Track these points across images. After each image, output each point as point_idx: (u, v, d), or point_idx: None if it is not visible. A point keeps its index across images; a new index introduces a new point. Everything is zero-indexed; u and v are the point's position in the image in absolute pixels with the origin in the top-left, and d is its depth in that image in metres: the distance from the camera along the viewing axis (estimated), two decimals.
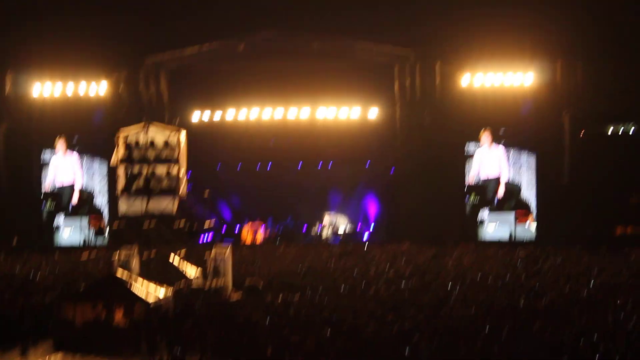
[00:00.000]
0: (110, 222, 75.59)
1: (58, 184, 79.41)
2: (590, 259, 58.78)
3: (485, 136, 74.66)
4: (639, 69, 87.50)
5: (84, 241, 76.28)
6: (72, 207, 79.02)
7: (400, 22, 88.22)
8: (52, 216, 79.00)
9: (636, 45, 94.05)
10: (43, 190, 79.31)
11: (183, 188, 58.03)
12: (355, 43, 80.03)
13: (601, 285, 47.54)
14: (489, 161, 75.17)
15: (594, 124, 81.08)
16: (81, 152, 79.49)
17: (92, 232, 77.53)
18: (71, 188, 79.30)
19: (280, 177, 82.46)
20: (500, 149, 75.12)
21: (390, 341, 32.95)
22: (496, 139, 74.94)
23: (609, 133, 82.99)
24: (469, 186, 75.18)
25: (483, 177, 75.27)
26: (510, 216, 74.67)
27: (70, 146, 78.90)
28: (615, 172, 77.20)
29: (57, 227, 78.80)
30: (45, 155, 79.65)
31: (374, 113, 79.98)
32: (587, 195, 73.93)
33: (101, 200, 78.77)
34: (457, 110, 75.74)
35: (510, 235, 73.38)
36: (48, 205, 78.48)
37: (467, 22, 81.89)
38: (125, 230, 60.12)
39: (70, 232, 78.34)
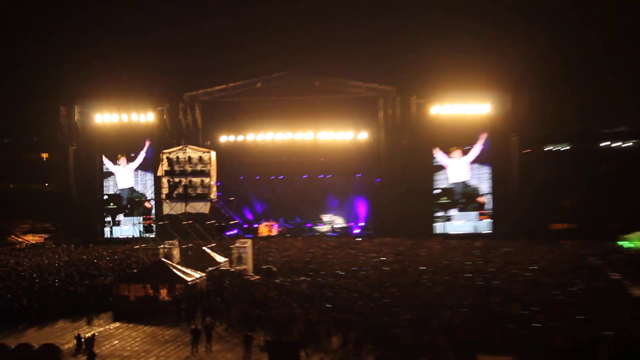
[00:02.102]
0: (156, 221, 75.77)
1: (121, 189, 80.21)
2: (533, 249, 59.36)
3: (456, 152, 75.01)
4: (574, 103, 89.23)
5: (137, 235, 76.69)
6: (129, 207, 79.32)
7: (384, 64, 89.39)
8: (113, 214, 79.35)
9: (572, 82, 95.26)
10: (106, 193, 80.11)
11: (213, 194, 58.71)
12: (348, 81, 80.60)
13: (541, 267, 48.01)
14: (458, 171, 75.31)
15: (537, 144, 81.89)
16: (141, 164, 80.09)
17: (143, 228, 77.82)
18: (128, 192, 79.82)
19: (289, 186, 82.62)
20: (466, 160, 75.35)
21: (376, 313, 33.30)
22: (462, 154, 75.29)
23: (548, 151, 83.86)
24: (442, 189, 75.31)
25: (453, 183, 75.41)
26: (474, 214, 74.98)
27: (128, 160, 79.31)
28: (551, 182, 78.02)
29: (118, 223, 78.98)
30: (105, 167, 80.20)
31: (363, 136, 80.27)
32: (530, 199, 74.50)
33: (153, 202, 78.83)
34: (429, 133, 76.43)
35: (474, 229, 73.81)
36: (112, 205, 79.01)
37: (436, 64, 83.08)
38: (168, 227, 60.59)
39: (127, 227, 78.41)
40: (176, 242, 52.29)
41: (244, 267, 48.31)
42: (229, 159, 78.56)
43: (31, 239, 76.18)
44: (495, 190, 75.24)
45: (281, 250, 59.78)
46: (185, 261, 46.16)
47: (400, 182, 76.15)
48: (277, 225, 78.31)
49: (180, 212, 60.45)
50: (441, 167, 76.09)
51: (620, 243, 59.58)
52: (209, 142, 79.72)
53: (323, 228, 78.01)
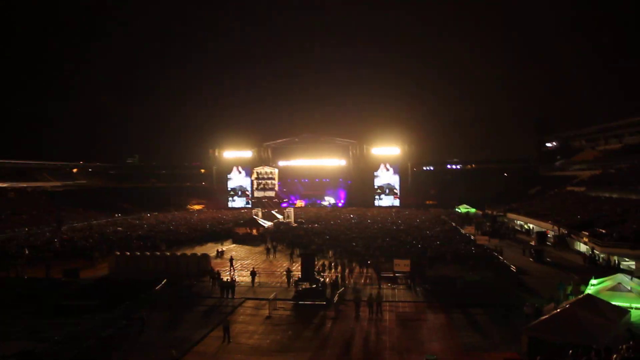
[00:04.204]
0: (251, 199, 75.18)
1: (235, 185, 78.31)
2: (418, 212, 58.65)
3: (384, 169, 74.11)
4: (434, 148, 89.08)
5: (243, 205, 75.78)
6: (239, 193, 78.19)
7: (352, 128, 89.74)
8: (232, 196, 77.53)
9: (432, 138, 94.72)
10: (229, 187, 78.71)
11: (276, 188, 58.80)
12: (336, 138, 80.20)
13: (421, 221, 47.53)
14: (385, 177, 74.43)
15: (419, 166, 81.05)
16: (244, 174, 78.78)
17: (245, 202, 77.09)
18: (239, 187, 78.20)
19: (310, 185, 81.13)
20: (390, 172, 74.50)
21: (348, 240, 33.01)
22: (388, 169, 74.44)
23: (424, 170, 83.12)
24: (377, 187, 74.41)
25: (383, 183, 74.52)
26: (392, 197, 73.80)
27: (239, 172, 78.24)
28: (425, 182, 77.15)
29: (234, 200, 77.65)
30: (229, 175, 78.90)
31: (342, 162, 79.77)
32: (417, 190, 73.81)
33: (250, 191, 77.58)
34: (372, 160, 75.56)
35: (392, 204, 72.75)
36: (232, 193, 77.85)
37: (375, 129, 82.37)
38: (256, 202, 60.49)
39: (238, 202, 76.70)
40: (260, 209, 52.06)
41: (290, 220, 48.03)
42: (283, 172, 78.72)
43: (196, 207, 75.51)
44: (402, 186, 73.84)
45: (306, 213, 58.75)
46: (264, 217, 45.82)
47: (359, 182, 75.32)
48: (305, 202, 77.23)
49: (261, 196, 61.10)
50: (377, 176, 74.74)
51: (456, 209, 59.16)
52: (274, 165, 79.03)
53: (325, 203, 76.81)
